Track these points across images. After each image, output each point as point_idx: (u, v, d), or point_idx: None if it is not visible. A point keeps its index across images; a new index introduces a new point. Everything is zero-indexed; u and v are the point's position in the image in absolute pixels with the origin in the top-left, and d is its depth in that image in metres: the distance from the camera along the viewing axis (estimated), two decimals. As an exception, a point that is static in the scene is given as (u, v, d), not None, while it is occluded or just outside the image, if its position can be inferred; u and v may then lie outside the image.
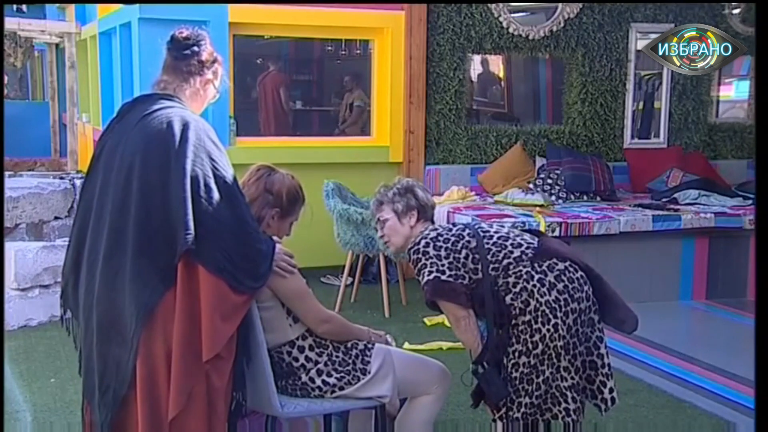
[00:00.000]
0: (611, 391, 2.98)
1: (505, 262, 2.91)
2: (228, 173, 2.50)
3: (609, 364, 2.99)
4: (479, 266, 2.91)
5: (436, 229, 3.02)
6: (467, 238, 2.96)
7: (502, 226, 3.13)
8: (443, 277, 2.88)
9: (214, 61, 2.69)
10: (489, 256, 2.91)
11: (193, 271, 2.40)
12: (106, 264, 2.45)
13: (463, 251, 2.93)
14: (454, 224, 3.11)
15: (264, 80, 9.62)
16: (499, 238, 2.98)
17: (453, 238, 2.95)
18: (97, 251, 2.48)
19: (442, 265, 2.89)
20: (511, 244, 2.95)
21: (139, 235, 2.41)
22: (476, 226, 3.05)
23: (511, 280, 2.89)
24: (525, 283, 2.87)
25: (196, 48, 2.63)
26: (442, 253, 2.92)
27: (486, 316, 2.91)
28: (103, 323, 2.46)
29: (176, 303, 2.40)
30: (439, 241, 2.95)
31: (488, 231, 3.01)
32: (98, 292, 2.46)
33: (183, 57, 2.62)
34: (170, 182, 2.40)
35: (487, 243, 2.95)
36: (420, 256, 2.95)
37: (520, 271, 2.89)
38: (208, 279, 2.40)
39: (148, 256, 2.40)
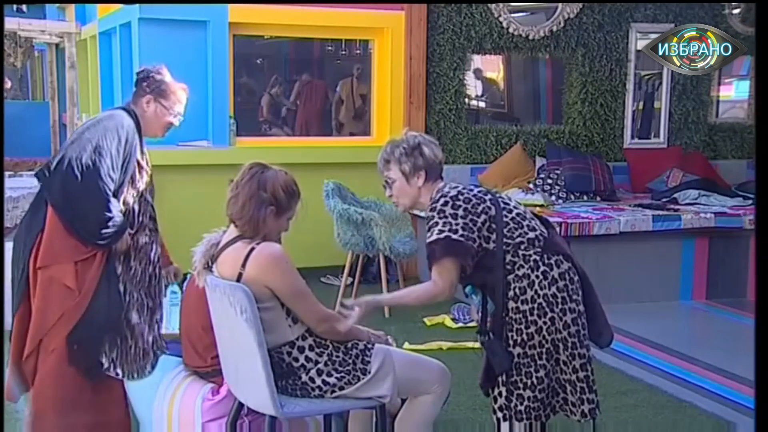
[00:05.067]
0: (590, 402, 2.88)
1: (518, 240, 2.84)
2: (104, 161, 3.08)
3: (588, 377, 2.89)
4: (493, 236, 2.83)
5: (456, 187, 2.91)
6: (488, 203, 2.87)
7: (519, 203, 3.02)
8: (454, 237, 2.78)
9: (172, 93, 3.28)
10: (505, 230, 2.84)
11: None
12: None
13: (482, 216, 2.83)
14: (475, 185, 3.02)
15: (305, 86, 9.93)
16: (517, 215, 2.90)
17: (474, 200, 2.85)
18: None
19: (456, 224, 2.79)
20: (528, 226, 2.88)
21: None
22: (497, 195, 2.96)
23: (518, 261, 2.83)
24: (529, 270, 2.82)
25: (155, 77, 3.27)
26: (459, 212, 2.81)
27: (491, 287, 2.85)
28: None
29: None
30: (459, 200, 2.84)
31: (507, 204, 2.92)
32: None
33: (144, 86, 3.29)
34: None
35: (506, 216, 2.87)
36: (434, 213, 2.84)
37: (530, 256, 2.83)
38: (57, 221, 3.11)
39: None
